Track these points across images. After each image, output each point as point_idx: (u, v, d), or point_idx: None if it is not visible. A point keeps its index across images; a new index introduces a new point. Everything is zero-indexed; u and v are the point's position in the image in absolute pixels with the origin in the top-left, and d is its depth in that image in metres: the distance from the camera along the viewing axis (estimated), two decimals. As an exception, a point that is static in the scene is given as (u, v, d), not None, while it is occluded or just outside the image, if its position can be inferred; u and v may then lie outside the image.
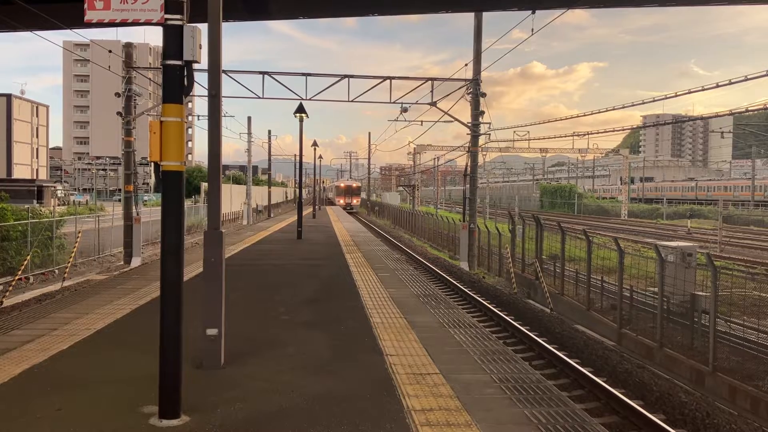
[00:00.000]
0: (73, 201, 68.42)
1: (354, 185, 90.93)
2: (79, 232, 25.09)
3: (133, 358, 7.35)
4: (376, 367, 7.17)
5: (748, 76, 20.50)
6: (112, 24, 5.41)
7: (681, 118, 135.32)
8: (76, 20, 16.90)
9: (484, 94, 27.65)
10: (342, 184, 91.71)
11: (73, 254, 23.52)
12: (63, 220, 26.47)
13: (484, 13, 27.26)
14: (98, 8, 5.28)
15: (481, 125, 28.10)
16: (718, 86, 23.20)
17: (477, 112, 27.78)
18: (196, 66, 5.50)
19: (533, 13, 18.06)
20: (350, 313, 10.29)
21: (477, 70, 27.53)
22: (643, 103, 57.34)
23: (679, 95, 56.55)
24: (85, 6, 5.23)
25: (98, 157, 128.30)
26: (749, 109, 26.85)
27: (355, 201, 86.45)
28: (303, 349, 7.94)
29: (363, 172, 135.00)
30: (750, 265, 21.21)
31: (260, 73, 27.77)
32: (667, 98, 35.58)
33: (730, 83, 22.24)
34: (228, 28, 54.64)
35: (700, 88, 23.66)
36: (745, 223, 53.72)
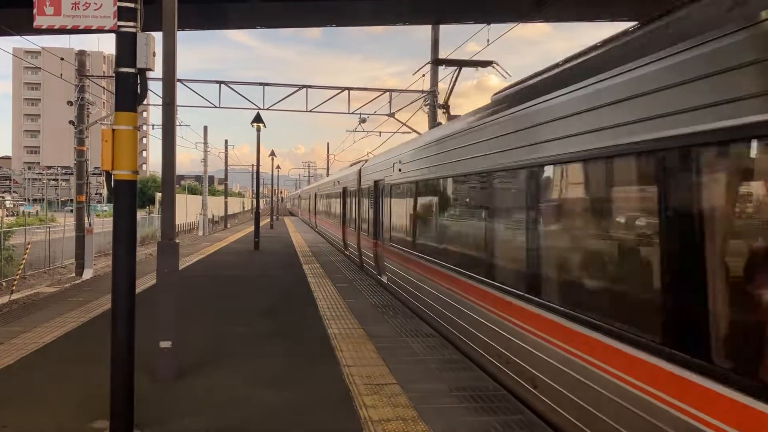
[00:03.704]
0: (23, 211, 66.62)
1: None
2: (29, 244, 24.46)
3: (84, 372, 7.16)
4: (334, 377, 7.13)
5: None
6: (62, 30, 5.33)
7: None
8: (26, 26, 16.53)
9: (441, 106, 27.90)
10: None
11: (22, 266, 22.90)
12: (12, 231, 25.76)
13: (441, 26, 27.57)
14: (48, 14, 5.17)
15: (439, 136, 28.32)
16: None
17: (435, 124, 28.00)
18: (152, 74, 5.44)
19: (488, 25, 18.38)
20: (308, 324, 10.21)
21: (434, 81, 27.79)
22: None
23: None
24: (35, 11, 5.11)
25: (49, 167, 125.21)
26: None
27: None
28: (259, 361, 7.85)
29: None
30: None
31: (217, 82, 27.57)
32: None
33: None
34: (184, 37, 54.26)
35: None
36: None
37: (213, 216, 60.39)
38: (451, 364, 7.73)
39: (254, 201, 46.14)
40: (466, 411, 6.03)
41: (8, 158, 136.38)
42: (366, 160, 21.31)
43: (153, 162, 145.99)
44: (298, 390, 6.66)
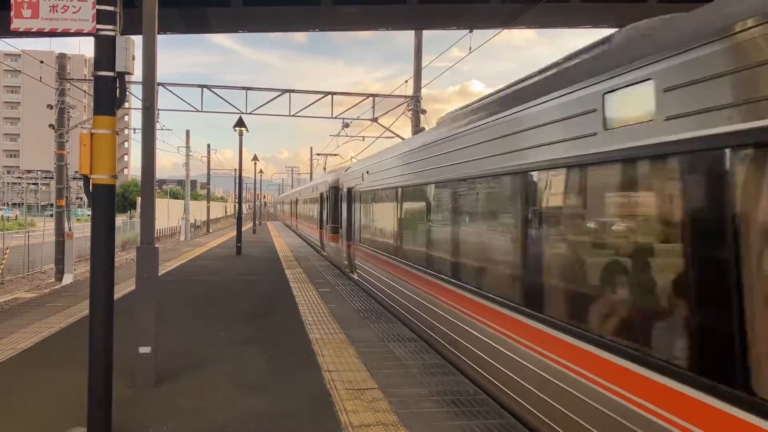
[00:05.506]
0: (1, 216, 65.79)
1: None
2: (7, 249, 24.16)
3: (61, 379, 7.08)
4: (315, 383, 7.11)
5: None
6: (40, 33, 5.26)
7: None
8: (3, 29, 16.35)
9: (424, 111, 27.97)
10: None
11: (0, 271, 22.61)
12: (-11, 235, 25.43)
13: (425, 32, 27.64)
14: (26, 16, 5.12)
15: (422, 141, 28.33)
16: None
17: (418, 129, 28.04)
18: (133, 78, 5.41)
19: (471, 32, 18.45)
20: (289, 329, 10.19)
21: (417, 86, 27.86)
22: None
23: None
24: (12, 14, 5.06)
25: (29, 171, 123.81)
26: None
27: None
28: (240, 367, 7.81)
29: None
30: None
31: (199, 86, 27.39)
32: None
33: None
34: (167, 41, 53.79)
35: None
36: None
37: (195, 221, 59.99)
38: (432, 368, 7.74)
39: (236, 205, 46.87)
40: (446, 415, 6.04)
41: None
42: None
43: (134, 166, 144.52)
44: (278, 395, 6.63)
